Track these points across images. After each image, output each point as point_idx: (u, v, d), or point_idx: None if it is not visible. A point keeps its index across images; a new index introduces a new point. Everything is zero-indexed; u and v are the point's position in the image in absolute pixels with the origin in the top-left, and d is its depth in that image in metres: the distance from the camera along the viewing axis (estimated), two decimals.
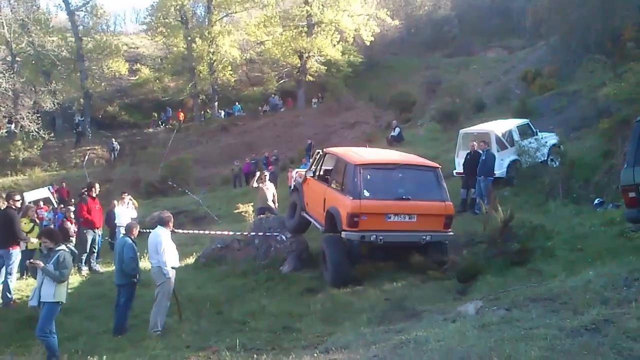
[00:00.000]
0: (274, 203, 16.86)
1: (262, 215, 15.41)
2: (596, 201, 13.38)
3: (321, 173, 12.63)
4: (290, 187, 15.70)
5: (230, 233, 14.23)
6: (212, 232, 14.73)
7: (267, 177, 17.45)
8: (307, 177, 12.89)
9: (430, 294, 9.56)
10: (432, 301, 8.99)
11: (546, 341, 4.85)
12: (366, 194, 10.48)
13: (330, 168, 12.25)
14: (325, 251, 11.25)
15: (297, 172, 15.02)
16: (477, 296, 8.30)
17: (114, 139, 40.07)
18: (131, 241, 9.73)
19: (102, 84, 44.73)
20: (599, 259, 9.03)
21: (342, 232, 10.64)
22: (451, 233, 11.11)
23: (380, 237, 10.43)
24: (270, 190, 16.84)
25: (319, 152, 13.25)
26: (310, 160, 14.96)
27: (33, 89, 39.93)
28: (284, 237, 13.19)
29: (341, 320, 8.53)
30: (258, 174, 17.67)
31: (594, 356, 4.43)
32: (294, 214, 13.46)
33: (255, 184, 16.97)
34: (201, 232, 15.29)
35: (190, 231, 15.88)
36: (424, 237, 10.66)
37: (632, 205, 8.39)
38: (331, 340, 6.99)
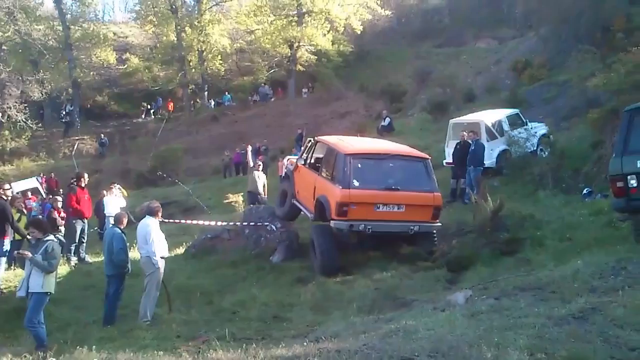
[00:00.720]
0: (264, 193, 16.88)
1: (252, 205, 15.42)
2: (585, 191, 13.44)
3: (312, 161, 12.64)
4: (281, 176, 15.71)
5: (221, 224, 14.19)
6: (201, 223, 14.69)
7: (261, 166, 17.46)
8: (298, 165, 12.90)
9: (420, 283, 9.61)
10: (421, 291, 9.05)
11: (534, 329, 4.89)
12: (356, 183, 10.52)
13: (321, 156, 12.26)
14: (314, 240, 11.31)
15: (288, 160, 15.02)
16: (467, 285, 8.36)
17: (102, 134, 39.62)
18: (120, 232, 9.69)
19: (91, 74, 44.24)
20: (587, 248, 9.11)
21: (331, 221, 10.68)
22: (439, 224, 11.17)
23: (369, 227, 10.51)
24: (261, 179, 16.88)
25: (310, 140, 13.27)
26: (302, 148, 14.97)
27: (20, 78, 39.52)
28: (274, 227, 13.19)
29: (331, 310, 8.57)
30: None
31: (582, 344, 4.47)
32: (284, 201, 13.49)
33: (250, 164, 17.27)
34: (191, 222, 15.24)
35: (180, 221, 15.82)
36: (412, 228, 10.72)
37: (619, 195, 8.44)
38: (321, 329, 7.02)
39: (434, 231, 11.21)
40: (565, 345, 4.44)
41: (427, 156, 11.74)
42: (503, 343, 4.53)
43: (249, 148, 19.35)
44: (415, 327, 5.57)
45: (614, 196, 8.88)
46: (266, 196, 16.89)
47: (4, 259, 11.36)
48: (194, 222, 15.06)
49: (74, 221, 13.77)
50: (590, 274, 6.83)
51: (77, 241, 13.84)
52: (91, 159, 37.59)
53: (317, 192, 11.42)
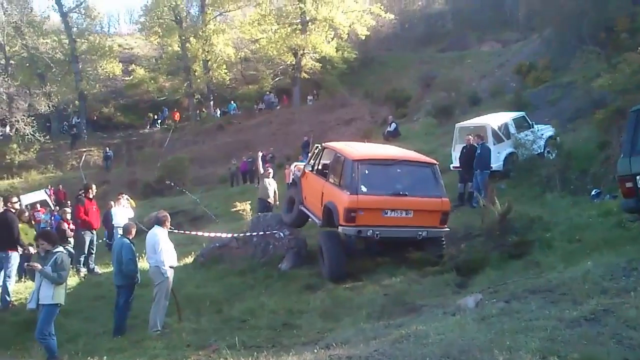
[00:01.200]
0: (275, 200, 16.89)
1: (260, 214, 15.42)
2: (593, 192, 13.38)
3: (319, 167, 12.62)
4: (288, 183, 15.71)
5: (228, 235, 14.12)
6: (210, 235, 14.63)
7: (271, 174, 17.48)
8: (306, 171, 12.89)
9: (429, 288, 9.55)
10: (431, 295, 9.00)
11: (546, 332, 4.85)
12: (363, 189, 10.48)
13: (329, 163, 12.23)
14: (322, 246, 11.30)
15: (295, 166, 15.02)
16: (476, 289, 8.31)
17: (107, 148, 39.77)
18: (129, 242, 9.70)
19: (97, 86, 44.60)
20: (597, 249, 9.02)
21: (339, 227, 10.64)
22: (447, 229, 11.11)
23: (377, 232, 10.46)
24: (272, 186, 16.93)
25: (317, 147, 13.26)
26: (309, 155, 14.97)
27: (27, 91, 39.87)
28: (282, 234, 13.16)
29: (341, 316, 8.53)
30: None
31: (594, 346, 4.43)
32: (291, 208, 13.47)
33: (261, 171, 17.32)
34: (199, 233, 15.19)
35: (188, 232, 15.80)
36: (420, 233, 10.66)
37: (629, 195, 8.38)
38: (331, 336, 6.99)
39: (442, 237, 11.17)
40: (578, 348, 4.40)
41: (435, 161, 11.68)
42: (515, 346, 4.50)
43: (260, 155, 19.35)
44: (426, 332, 5.53)
45: (623, 197, 8.82)
46: (277, 202, 16.89)
47: (14, 271, 11.40)
48: (203, 233, 15.01)
49: (82, 232, 13.81)
50: (601, 275, 6.77)
51: (86, 252, 13.88)
52: (98, 170, 37.81)
53: (324, 198, 11.39)
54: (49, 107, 39.28)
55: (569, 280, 6.93)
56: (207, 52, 42.36)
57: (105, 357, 6.75)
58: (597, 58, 20.43)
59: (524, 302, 6.43)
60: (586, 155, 15.28)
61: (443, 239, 11.18)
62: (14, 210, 11.47)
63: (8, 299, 11.04)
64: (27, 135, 36.66)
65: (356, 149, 11.91)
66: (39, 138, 36.80)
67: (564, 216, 11.71)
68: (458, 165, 15.85)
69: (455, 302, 7.47)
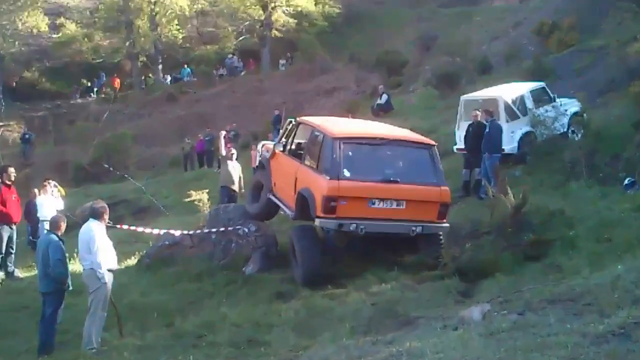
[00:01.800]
0: (240, 187, 16.84)
1: (220, 205, 15.41)
2: (626, 181, 13.54)
3: (293, 147, 12.64)
4: (255, 168, 15.69)
5: (180, 233, 14.08)
6: (158, 232, 14.58)
7: (235, 155, 17.40)
8: (276, 152, 12.91)
9: (426, 297, 9.65)
10: (428, 305, 9.09)
11: (566, 350, 4.93)
12: (346, 173, 10.55)
13: (304, 141, 12.25)
14: (295, 244, 11.35)
15: (263, 146, 15.00)
16: (484, 298, 8.41)
17: (27, 128, 38.98)
18: (57, 239, 9.64)
19: (16, 44, 43.89)
20: (629, 250, 9.18)
21: (316, 220, 10.70)
22: (447, 224, 11.18)
23: (362, 227, 10.52)
24: (236, 170, 16.84)
25: (291, 122, 13.26)
26: (280, 132, 14.98)
27: None
28: (246, 230, 13.17)
29: (319, 331, 8.59)
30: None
31: None
32: (257, 196, 13.51)
33: (223, 152, 17.14)
34: (145, 230, 15.12)
35: (132, 227, 15.73)
36: (414, 229, 10.72)
37: None
38: (307, 354, 7.06)
39: (440, 233, 11.26)
40: None
41: (433, 142, 11.77)
42: None
43: (222, 133, 19.32)
44: (422, 349, 5.60)
45: None
46: (243, 190, 16.86)
47: None
48: (151, 230, 14.95)
49: None
50: (633, 281, 6.89)
51: (4, 252, 13.75)
52: (19, 150, 37.31)
53: (298, 184, 11.43)
54: None
55: (595, 287, 7.04)
56: (154, 3, 41.96)
57: None
58: (634, 17, 20.61)
59: (540, 314, 6.53)
60: (619, 137, 15.42)
61: (442, 236, 11.28)
62: None
63: None
64: None
65: (338, 125, 12.00)
66: None
67: (591, 210, 11.88)
68: (463, 147, 15.94)
69: (458, 314, 7.57)
